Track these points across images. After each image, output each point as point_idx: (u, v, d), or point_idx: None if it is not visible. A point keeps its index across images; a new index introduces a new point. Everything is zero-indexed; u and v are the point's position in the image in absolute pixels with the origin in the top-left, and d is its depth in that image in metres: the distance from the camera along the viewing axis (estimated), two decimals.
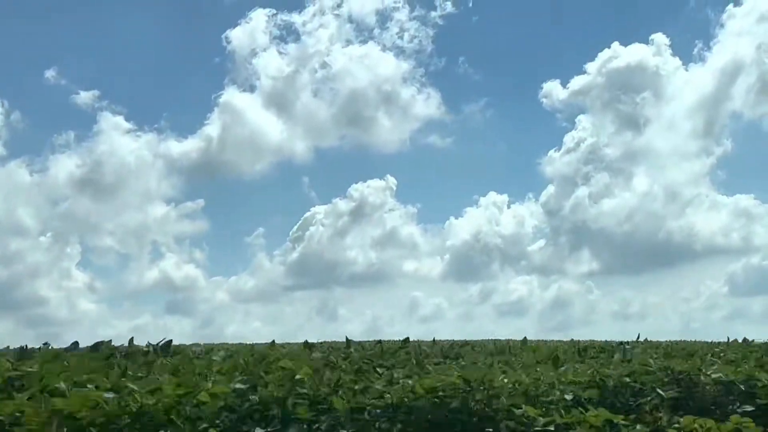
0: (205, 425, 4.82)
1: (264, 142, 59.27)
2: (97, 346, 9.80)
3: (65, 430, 4.50)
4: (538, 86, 67.88)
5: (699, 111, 59.07)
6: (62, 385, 5.18)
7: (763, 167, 64.40)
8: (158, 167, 57.64)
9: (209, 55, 75.37)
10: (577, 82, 55.97)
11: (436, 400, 5.58)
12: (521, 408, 5.92)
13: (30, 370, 5.72)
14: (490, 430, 5.68)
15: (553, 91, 57.38)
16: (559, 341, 18.85)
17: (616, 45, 55.56)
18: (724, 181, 65.83)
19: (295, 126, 63.35)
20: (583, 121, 57.84)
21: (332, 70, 56.76)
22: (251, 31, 56.21)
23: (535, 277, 60.64)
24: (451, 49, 71.54)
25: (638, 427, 6.81)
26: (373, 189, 55.94)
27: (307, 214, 58.23)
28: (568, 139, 57.54)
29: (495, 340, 15.33)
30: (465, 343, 11.53)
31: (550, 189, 58.86)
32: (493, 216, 56.95)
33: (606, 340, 16.36)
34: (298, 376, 5.41)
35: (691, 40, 73.10)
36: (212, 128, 56.59)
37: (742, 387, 8.07)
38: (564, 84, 60.24)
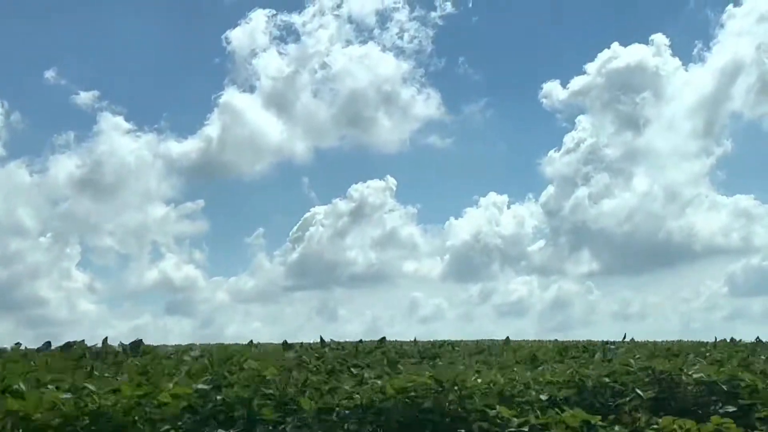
0: (166, 427, 4.74)
1: (264, 142, 59.24)
2: (68, 346, 9.73)
3: (20, 431, 4.42)
4: (538, 86, 67.93)
5: (699, 111, 59.28)
6: (21, 386, 5.09)
7: (763, 167, 64.73)
8: (158, 167, 57.60)
9: (209, 56, 74.82)
10: (577, 82, 55.87)
11: (407, 400, 5.52)
12: (495, 408, 5.87)
13: None
14: (463, 431, 5.62)
15: (553, 91, 57.31)
16: (547, 341, 18.82)
17: (615, 45, 55.51)
18: (724, 182, 66.05)
19: (295, 126, 63.60)
20: (582, 121, 57.86)
21: (332, 71, 56.61)
22: (251, 31, 56.07)
23: (535, 278, 60.62)
24: (451, 50, 71.42)
25: (616, 428, 6.78)
26: (372, 189, 55.84)
27: (307, 214, 58.00)
28: (568, 140, 57.43)
29: (477, 340, 15.31)
30: (445, 343, 11.48)
31: (550, 189, 58.74)
32: (493, 216, 56.99)
33: (603, 340, 16.37)
34: (270, 377, 5.34)
35: (691, 41, 73.36)
36: (212, 129, 56.39)
37: (724, 387, 8.02)
38: (564, 84, 60.32)
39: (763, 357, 12.39)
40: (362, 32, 62.00)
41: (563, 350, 10.39)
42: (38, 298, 53.63)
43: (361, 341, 11.02)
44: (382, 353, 7.84)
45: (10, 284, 53.29)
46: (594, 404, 7.32)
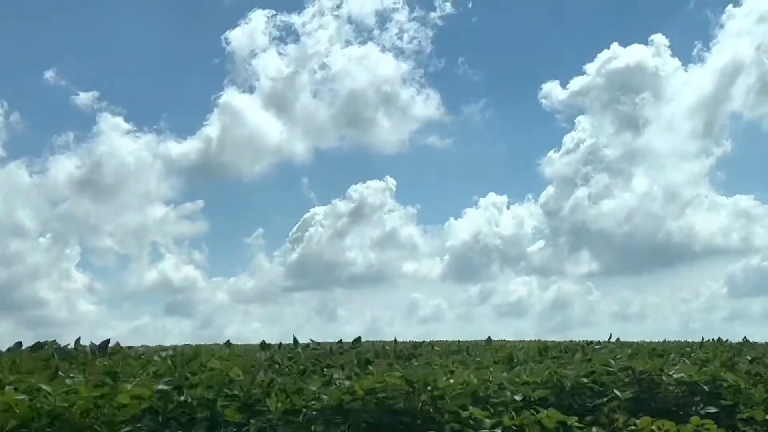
0: (125, 429, 4.68)
1: (263, 142, 59.77)
2: (38, 347, 9.63)
3: None
4: (538, 87, 68.31)
5: (698, 112, 59.82)
6: None
7: (762, 168, 65.30)
8: (157, 168, 58.18)
9: (209, 56, 75.62)
10: (576, 82, 56.38)
11: (376, 401, 5.46)
12: (468, 409, 5.82)
13: None
14: None
15: (553, 91, 57.84)
16: (535, 341, 18.79)
17: (615, 46, 55.98)
18: (724, 182, 66.68)
19: (295, 127, 64.10)
20: (582, 121, 58.36)
21: (331, 71, 57.23)
22: (251, 32, 56.59)
23: (535, 278, 61.02)
24: (451, 50, 72.08)
25: (594, 429, 6.75)
26: (372, 190, 56.38)
27: (307, 215, 58.55)
28: (568, 140, 57.91)
29: (459, 341, 15.28)
30: (423, 343, 11.44)
31: (550, 190, 59.33)
32: (492, 217, 57.49)
33: (587, 340, 16.36)
34: (234, 377, 5.28)
35: (691, 41, 73.74)
36: (212, 129, 56.97)
37: (705, 388, 8.00)
38: (563, 85, 61.05)
39: (749, 357, 12.41)
40: (362, 33, 63.32)
41: (543, 350, 10.35)
42: (38, 299, 54.45)
43: (340, 341, 10.96)
44: (357, 353, 7.79)
45: (9, 285, 53.97)
46: (572, 405, 7.28)
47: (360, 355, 7.60)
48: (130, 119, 58.01)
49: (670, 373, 8.06)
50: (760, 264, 56.47)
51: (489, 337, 11.21)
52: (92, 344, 9.58)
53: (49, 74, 61.10)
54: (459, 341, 14.70)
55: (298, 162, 61.49)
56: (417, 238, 59.98)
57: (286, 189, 68.12)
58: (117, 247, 57.34)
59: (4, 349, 10.11)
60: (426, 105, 59.36)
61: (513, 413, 6.15)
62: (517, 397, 6.27)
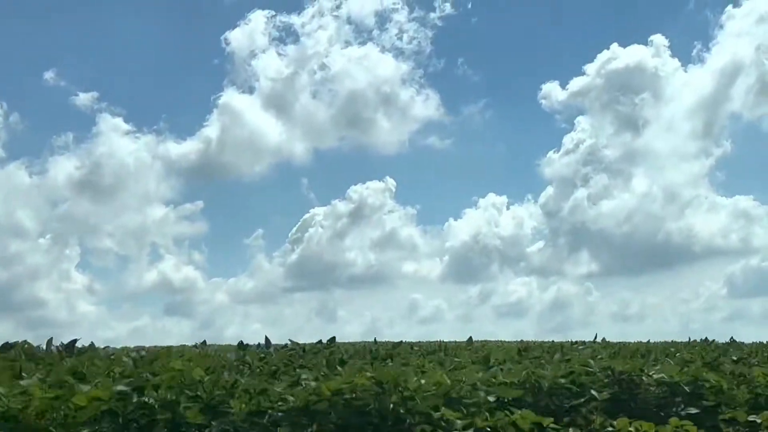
0: (83, 431, 4.61)
1: (263, 143, 60.19)
2: (6, 347, 9.53)
3: None
4: (537, 87, 68.38)
5: (698, 112, 60.19)
6: None
7: (762, 168, 65.63)
8: (157, 169, 58.35)
9: (208, 57, 75.99)
10: (576, 83, 56.44)
11: (344, 402, 5.41)
12: (440, 411, 5.77)
13: None
14: None
15: (552, 92, 57.95)
16: (515, 341, 18.79)
17: (615, 46, 56.08)
18: (724, 183, 67.37)
19: (294, 127, 64.02)
20: (582, 122, 58.53)
21: (331, 72, 57.35)
22: (250, 32, 56.70)
23: (534, 279, 61.13)
24: (450, 51, 72.09)
25: (570, 430, 6.71)
26: (372, 190, 56.53)
27: (306, 215, 58.55)
28: (567, 141, 58.05)
29: (441, 341, 15.24)
30: (401, 343, 11.40)
31: (549, 190, 59.49)
32: (492, 217, 57.72)
33: (571, 340, 16.38)
34: (197, 378, 5.21)
35: (690, 42, 73.87)
36: (211, 130, 57.08)
37: (686, 388, 7.97)
38: (563, 85, 61.15)
39: (734, 357, 12.42)
40: (361, 33, 63.70)
41: (523, 350, 10.32)
42: (37, 300, 54.41)
43: (320, 341, 10.90)
44: (331, 354, 7.74)
45: (9, 285, 53.99)
46: (549, 406, 7.25)
47: (334, 355, 7.55)
48: (130, 120, 58.53)
49: (650, 373, 8.05)
50: (759, 264, 56.84)
51: (470, 337, 11.19)
52: (61, 344, 9.49)
53: (48, 75, 61.79)
54: (440, 341, 14.68)
55: (298, 162, 61.85)
56: (417, 238, 60.29)
57: (286, 189, 68.49)
58: (117, 248, 57.75)
59: None
60: (425, 105, 59.70)
61: (487, 414, 6.12)
62: (491, 398, 6.21)
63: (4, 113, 56.53)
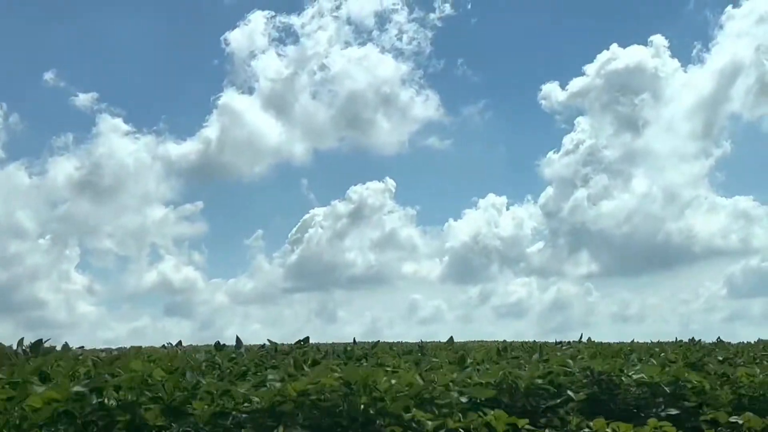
0: None
1: (263, 144, 61.35)
2: None
3: None
4: (537, 88, 69.61)
5: (698, 112, 61.18)
6: None
7: (762, 169, 66.82)
8: (157, 169, 59.67)
9: (208, 57, 78.35)
10: (575, 83, 57.77)
11: (311, 403, 5.35)
12: (411, 412, 5.72)
13: None
14: None
15: (552, 92, 59.14)
16: (500, 341, 18.76)
17: (614, 47, 57.47)
18: (723, 183, 68.82)
19: (294, 128, 65.86)
20: (581, 122, 59.52)
21: (331, 72, 59.03)
22: (250, 33, 58.19)
23: (534, 279, 62.43)
24: (450, 51, 73.58)
25: (546, 431, 6.68)
26: (372, 191, 57.79)
27: (306, 216, 60.41)
28: (567, 141, 59.25)
29: (421, 341, 15.17)
30: (378, 343, 11.34)
31: (549, 191, 60.88)
32: (492, 218, 58.77)
33: (556, 341, 16.34)
34: (158, 379, 5.14)
35: (690, 42, 75.65)
36: (211, 130, 58.65)
37: (667, 389, 7.95)
38: (563, 86, 62.54)
39: (720, 357, 12.40)
40: (361, 34, 65.39)
41: (503, 350, 10.27)
42: (37, 300, 56.85)
43: (299, 342, 10.84)
44: (302, 354, 7.68)
45: (9, 286, 56.27)
46: (526, 406, 7.21)
47: (306, 355, 7.49)
48: (130, 120, 62.25)
49: (630, 373, 8.01)
50: (759, 265, 57.74)
51: (451, 337, 11.16)
52: (30, 344, 9.38)
53: (48, 76, 63.91)
54: (420, 341, 14.63)
55: (298, 163, 63.01)
56: (416, 239, 61.54)
57: (286, 190, 70.06)
58: (116, 249, 58.99)
59: None
60: (425, 106, 60.83)
61: (460, 415, 6.07)
62: (463, 399, 6.15)
63: (4, 114, 58.00)
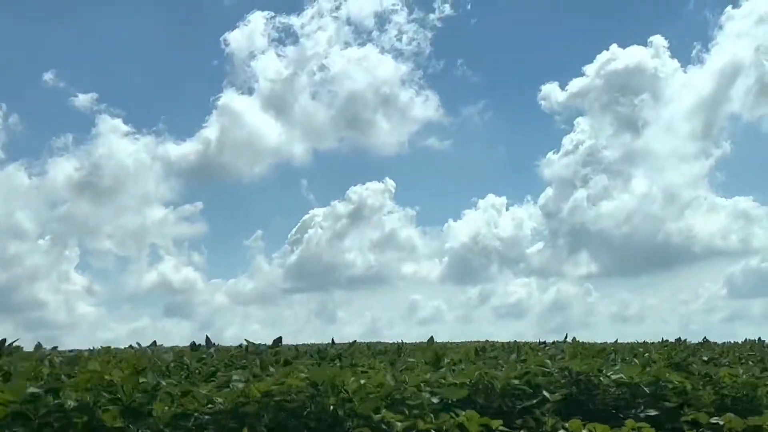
0: None
1: (262, 144, 61.88)
2: None
3: None
4: (537, 88, 68.79)
5: (697, 113, 61.30)
6: None
7: (761, 169, 67.05)
8: (156, 170, 60.22)
9: (207, 58, 78.43)
10: (575, 84, 57.65)
11: (276, 404, 5.28)
12: (380, 413, 5.65)
13: None
14: None
15: (552, 93, 59.02)
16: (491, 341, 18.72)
17: (614, 47, 57.14)
18: (723, 183, 69.24)
19: (294, 128, 66.02)
20: (581, 123, 59.58)
21: (330, 73, 59.23)
22: (249, 33, 58.30)
23: (534, 280, 62.48)
24: (450, 52, 73.50)
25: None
26: (371, 191, 58.00)
27: (306, 216, 60.26)
28: (567, 141, 59.18)
29: (400, 341, 15.13)
30: (354, 343, 11.28)
31: (549, 191, 60.93)
32: (491, 218, 58.92)
33: (540, 340, 16.29)
34: (117, 380, 5.06)
35: (690, 42, 74.98)
36: (211, 131, 58.94)
37: (646, 389, 7.90)
38: (562, 86, 62.24)
39: (705, 358, 12.39)
40: (361, 34, 66.14)
41: (482, 350, 10.22)
42: (37, 301, 56.02)
43: (279, 342, 10.78)
44: (274, 354, 7.61)
45: (8, 287, 55.33)
46: (502, 407, 7.15)
47: (278, 355, 7.41)
48: (129, 121, 61.78)
49: (609, 374, 7.96)
50: (759, 265, 57.92)
51: (431, 337, 11.10)
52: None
53: (48, 76, 63.27)
54: (401, 341, 14.60)
55: (297, 163, 63.34)
56: (416, 239, 61.85)
57: (286, 190, 70.38)
58: (116, 249, 59.44)
59: None
60: (425, 106, 61.07)
61: (432, 416, 6.01)
62: (435, 400, 6.10)
63: (4, 114, 58.45)
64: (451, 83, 66.23)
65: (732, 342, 17.80)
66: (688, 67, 67.80)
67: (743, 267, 58.92)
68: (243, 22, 63.60)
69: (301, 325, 55.90)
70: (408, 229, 60.37)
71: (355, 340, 11.67)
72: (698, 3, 65.62)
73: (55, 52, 68.22)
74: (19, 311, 53.79)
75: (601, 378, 7.90)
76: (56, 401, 4.72)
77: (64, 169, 57.04)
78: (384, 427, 5.65)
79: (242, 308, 60.79)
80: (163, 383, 5.12)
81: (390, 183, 58.18)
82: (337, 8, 64.72)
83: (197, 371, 6.73)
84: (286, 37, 66.95)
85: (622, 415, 7.64)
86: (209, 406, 5.24)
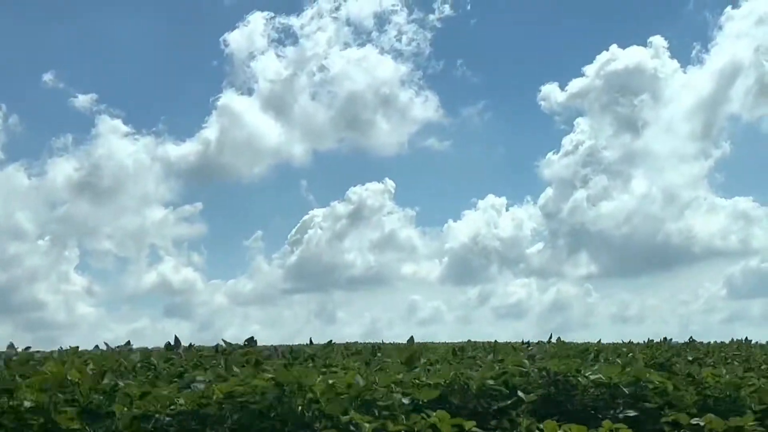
0: None
1: (262, 145, 62.30)
2: None
3: None
4: (536, 89, 68.83)
5: (697, 113, 61.55)
6: None
7: (761, 169, 67.33)
8: (156, 170, 60.57)
9: (207, 58, 77.97)
10: (575, 84, 57.79)
11: (240, 406, 5.21)
12: (348, 414, 5.59)
13: None
14: None
15: (552, 93, 59.12)
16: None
17: (614, 47, 57.32)
18: (723, 184, 69.70)
19: (293, 129, 66.32)
20: (581, 123, 59.84)
21: (330, 73, 59.48)
22: (249, 34, 58.53)
23: (534, 280, 62.77)
24: (450, 52, 74.03)
25: None
26: (371, 192, 58.31)
27: (306, 217, 60.50)
28: (567, 142, 59.34)
29: (382, 342, 15.09)
30: (330, 343, 11.23)
31: (549, 192, 61.11)
32: (491, 219, 59.14)
33: (523, 341, 16.25)
34: (74, 380, 4.99)
35: (690, 43, 75.61)
36: (210, 131, 59.18)
37: (626, 390, 7.85)
38: (562, 87, 61.98)
39: (690, 357, 12.38)
40: (360, 35, 66.58)
41: (460, 350, 10.17)
42: (36, 301, 56.16)
43: (252, 342, 10.70)
44: (245, 355, 7.53)
45: (8, 287, 55.44)
46: (477, 408, 7.11)
47: (249, 356, 7.34)
48: (129, 121, 61.31)
49: (587, 374, 7.91)
50: (759, 265, 58.28)
51: (411, 336, 11.02)
52: None
53: (47, 77, 63.03)
54: (381, 342, 14.53)
55: (297, 164, 63.69)
56: (416, 240, 62.21)
57: (285, 191, 70.77)
58: (116, 250, 59.93)
59: None
60: (425, 107, 61.35)
61: (403, 417, 5.95)
62: (405, 401, 6.04)
63: (3, 115, 58.94)
64: (451, 84, 66.53)
65: (720, 342, 17.83)
66: (688, 67, 68.15)
67: (743, 267, 59.31)
68: (243, 22, 63.63)
69: (300, 325, 56.36)
70: (408, 230, 60.70)
71: (331, 341, 11.59)
72: (698, 3, 66.05)
73: (55, 52, 68.52)
74: (18, 312, 54.41)
75: (580, 378, 7.86)
76: (11, 403, 4.65)
77: (63, 169, 57.38)
78: (352, 428, 5.59)
79: (242, 309, 61.22)
80: (121, 384, 5.05)
81: (390, 183, 58.53)
82: (337, 9, 65.02)
83: (165, 371, 6.65)
84: (285, 37, 67.10)
85: (601, 416, 7.58)
86: (171, 407, 5.18)
